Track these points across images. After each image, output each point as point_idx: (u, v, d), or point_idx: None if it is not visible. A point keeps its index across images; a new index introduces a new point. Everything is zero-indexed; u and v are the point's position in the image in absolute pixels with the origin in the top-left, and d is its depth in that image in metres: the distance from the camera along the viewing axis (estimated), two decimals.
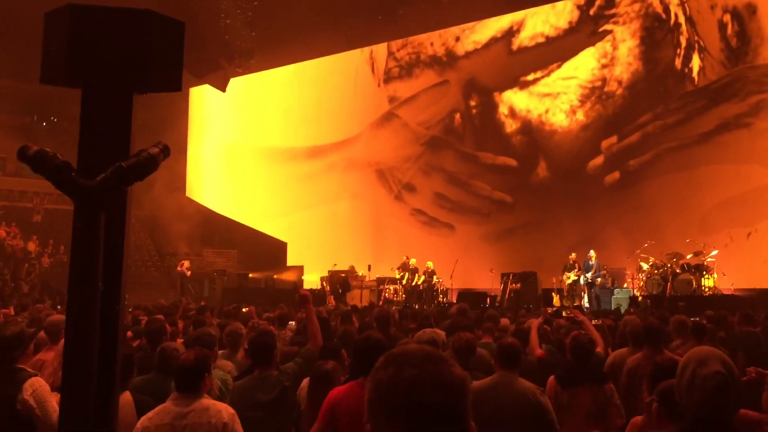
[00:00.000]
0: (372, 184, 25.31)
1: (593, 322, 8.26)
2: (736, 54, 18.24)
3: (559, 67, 21.23)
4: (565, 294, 17.60)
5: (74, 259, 1.50)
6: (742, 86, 17.84)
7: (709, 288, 15.45)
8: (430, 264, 19.72)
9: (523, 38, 22.10)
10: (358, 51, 26.17)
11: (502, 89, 22.41)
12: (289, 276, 24.61)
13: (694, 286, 15.28)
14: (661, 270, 15.94)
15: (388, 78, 25.60)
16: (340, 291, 20.33)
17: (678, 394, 2.54)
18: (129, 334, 7.26)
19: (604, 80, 20.36)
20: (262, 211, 28.33)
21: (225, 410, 3.71)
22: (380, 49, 25.84)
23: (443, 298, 19.50)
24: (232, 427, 3.64)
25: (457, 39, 23.70)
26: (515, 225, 21.43)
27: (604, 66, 20.40)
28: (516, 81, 22.10)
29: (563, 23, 21.31)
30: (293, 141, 27.80)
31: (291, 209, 27.30)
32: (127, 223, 1.61)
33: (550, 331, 7.90)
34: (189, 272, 23.54)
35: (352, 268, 21.04)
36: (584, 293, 17.19)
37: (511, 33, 22.38)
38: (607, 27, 20.43)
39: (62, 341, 4.41)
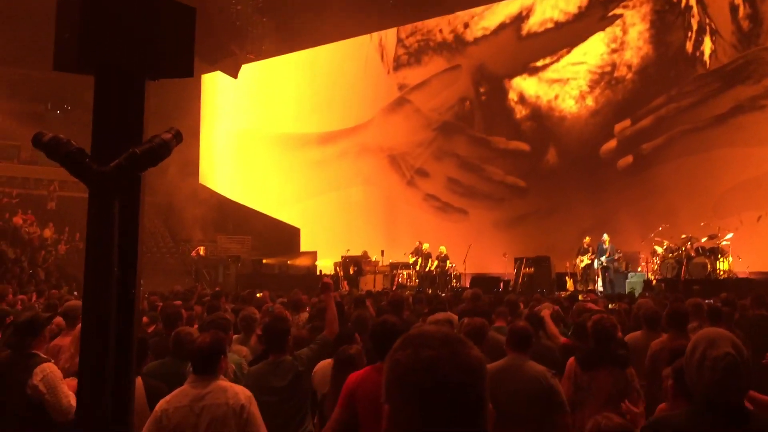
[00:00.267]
0: (384, 170, 25.28)
1: (610, 306, 8.26)
2: (747, 36, 18.03)
3: (568, 52, 21.06)
4: (579, 278, 17.55)
5: (89, 244, 1.52)
6: (756, 68, 17.65)
7: (724, 271, 15.34)
8: (443, 249, 19.70)
9: (533, 24, 21.93)
10: (367, 39, 26.09)
11: (512, 75, 22.26)
12: (302, 262, 24.68)
13: (708, 269, 15.19)
14: (675, 254, 15.86)
15: (398, 65, 25.51)
16: (354, 271, 20.35)
17: (688, 375, 2.54)
18: (145, 319, 7.31)
19: (614, 65, 20.18)
20: (275, 197, 28.38)
21: (242, 392, 3.72)
22: (389, 37, 25.74)
23: (456, 282, 19.49)
24: (249, 410, 3.65)
25: (466, 26, 23.56)
26: (528, 209, 21.35)
27: (614, 51, 20.22)
28: (525, 67, 21.95)
29: (572, 8, 21.12)
30: (305, 127, 27.80)
31: (304, 195, 27.34)
32: (141, 208, 1.62)
33: (569, 315, 7.91)
34: (204, 253, 23.73)
35: (365, 253, 21.06)
36: (598, 277, 17.12)
37: (520, 19, 22.21)
38: (617, 11, 20.23)
39: (79, 326, 4.46)
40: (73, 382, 4.15)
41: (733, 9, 18.26)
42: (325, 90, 27.17)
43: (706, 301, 7.06)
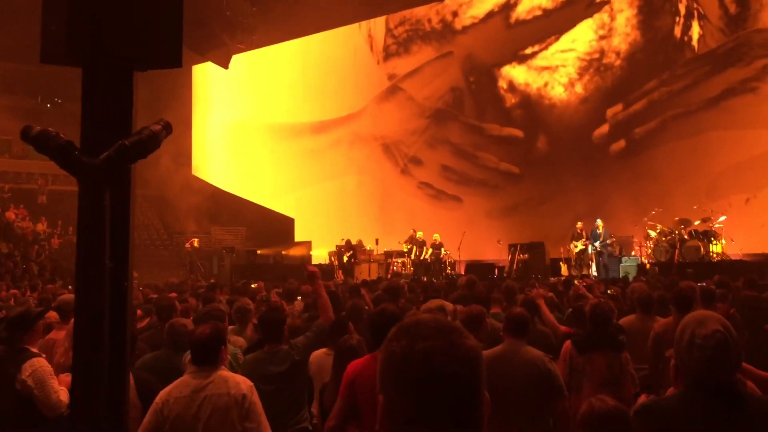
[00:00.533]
0: (378, 159, 25.27)
1: (609, 291, 8.28)
2: (735, 20, 18.06)
3: (557, 40, 21.08)
4: (573, 263, 17.61)
5: (81, 237, 1.52)
6: (747, 51, 17.67)
7: (718, 254, 15.42)
8: (437, 236, 19.74)
9: (521, 12, 21.92)
10: (356, 30, 26.05)
11: (501, 64, 22.27)
12: (297, 252, 24.69)
13: (702, 252, 15.26)
14: (668, 237, 15.92)
15: (387, 55, 25.48)
16: (350, 255, 20.33)
17: (679, 357, 2.55)
18: (139, 312, 7.30)
19: (602, 52, 20.21)
20: (268, 187, 28.35)
21: (243, 382, 3.73)
22: (378, 28, 25.71)
23: (451, 270, 19.53)
24: (251, 399, 3.66)
25: (455, 14, 23.53)
26: (522, 196, 21.39)
27: (602, 37, 20.24)
28: (514, 55, 21.96)
29: None
30: (298, 117, 27.75)
31: (297, 185, 27.32)
32: (132, 200, 1.62)
33: (566, 301, 7.93)
34: (198, 245, 23.74)
35: (360, 242, 21.08)
36: (592, 262, 17.18)
37: (508, 7, 22.19)
38: None
39: (73, 320, 4.45)
40: (68, 377, 4.15)
41: None
42: (317, 79, 27.12)
43: (699, 284, 7.08)
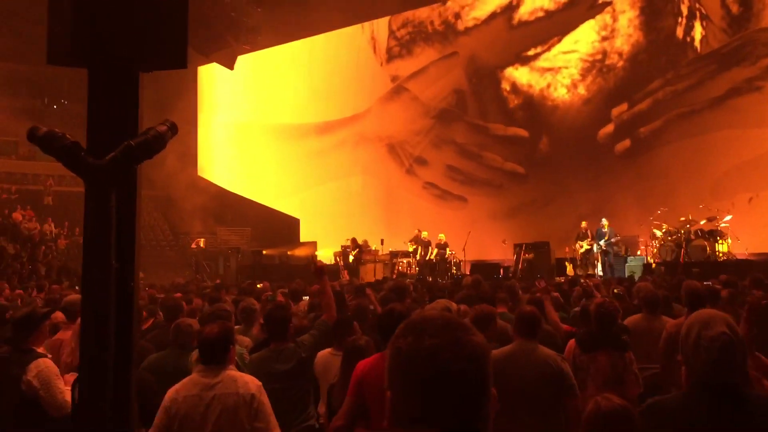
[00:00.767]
0: (383, 159, 25.27)
1: (615, 291, 8.28)
2: (738, 20, 18.02)
3: (559, 41, 21.08)
4: (579, 263, 17.58)
5: (87, 238, 1.52)
6: (752, 50, 17.62)
7: (723, 253, 15.38)
8: (442, 236, 19.72)
9: (523, 13, 21.91)
10: (359, 32, 26.09)
11: (503, 65, 22.26)
12: (302, 252, 24.69)
13: (708, 251, 15.22)
14: (674, 236, 15.89)
15: (390, 57, 25.50)
16: (357, 252, 20.32)
17: (684, 357, 2.55)
18: (143, 313, 7.31)
19: (604, 53, 20.20)
20: (273, 188, 28.37)
21: (252, 382, 3.72)
22: (381, 30, 25.73)
23: (456, 270, 19.51)
24: (260, 399, 3.65)
25: (457, 16, 23.54)
26: (527, 195, 21.37)
27: (604, 38, 20.22)
28: (517, 57, 21.96)
29: None
30: (303, 117, 27.75)
31: (303, 186, 27.33)
32: (138, 200, 1.62)
33: (571, 302, 7.92)
34: (204, 245, 23.80)
35: (366, 242, 21.07)
36: (597, 261, 17.15)
37: (510, 8, 22.19)
38: None
39: (79, 320, 4.46)
40: (74, 377, 4.16)
41: None
42: (322, 80, 27.12)
43: (705, 283, 7.07)
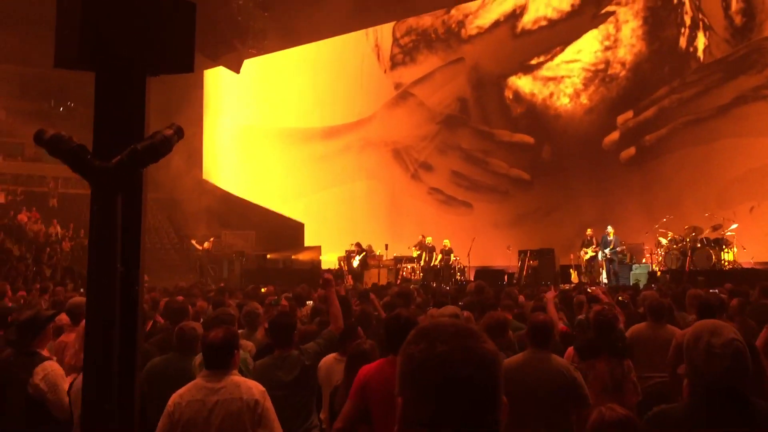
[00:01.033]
0: (388, 164, 25.28)
1: (620, 299, 8.25)
2: (741, 31, 18.02)
3: (562, 50, 21.11)
4: (583, 270, 17.55)
5: (92, 240, 1.52)
6: (759, 58, 17.60)
7: (729, 262, 15.33)
8: (446, 242, 19.71)
9: (526, 22, 21.95)
10: (363, 39, 26.19)
11: (507, 74, 22.30)
12: (306, 256, 24.71)
13: (713, 260, 15.17)
14: (680, 245, 15.84)
15: (394, 64, 25.57)
16: (362, 257, 20.29)
17: (692, 365, 2.54)
18: None
19: (607, 62, 20.23)
20: (278, 192, 28.40)
21: (256, 387, 3.71)
22: (385, 37, 25.79)
23: (461, 276, 19.48)
24: (264, 405, 3.64)
25: (461, 24, 23.61)
26: (532, 202, 21.35)
27: (607, 48, 20.25)
28: (520, 65, 21.99)
29: (566, 6, 21.18)
30: (308, 122, 27.80)
31: (307, 190, 27.36)
32: (144, 204, 1.62)
33: (574, 309, 7.90)
34: (210, 247, 23.85)
35: (370, 247, 21.07)
36: (602, 269, 17.11)
37: (514, 17, 22.23)
38: (610, 8, 20.30)
39: (83, 323, 4.46)
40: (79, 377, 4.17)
41: (726, 3, 18.24)
42: (327, 85, 27.18)
43: (711, 291, 7.05)
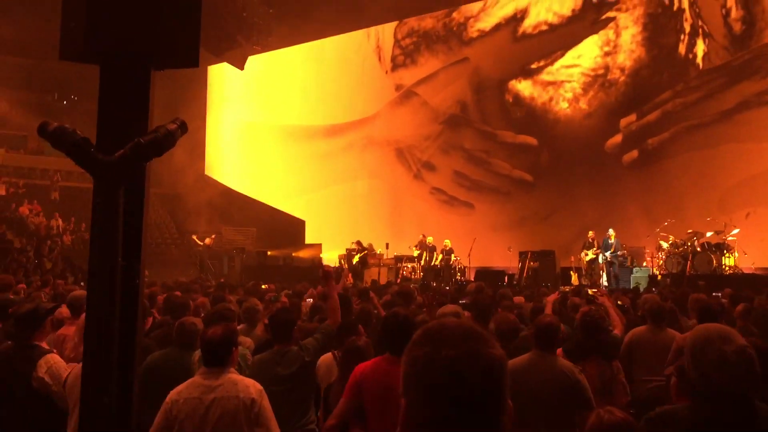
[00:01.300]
0: (391, 163, 25.28)
1: (619, 303, 8.23)
2: (741, 38, 18.03)
3: (562, 55, 21.14)
4: (584, 272, 17.55)
5: (94, 234, 1.52)
6: (763, 63, 17.59)
7: (730, 267, 15.32)
8: (447, 242, 19.72)
9: (527, 26, 21.98)
10: (365, 40, 26.21)
11: (507, 78, 22.31)
12: (307, 254, 24.71)
13: (714, 264, 15.15)
14: (681, 248, 15.82)
15: (395, 66, 25.59)
16: (362, 255, 20.29)
17: (699, 372, 2.52)
18: None
19: (607, 68, 20.27)
20: (280, 189, 28.41)
21: (253, 386, 3.71)
22: (387, 39, 25.84)
23: (461, 276, 19.48)
24: (261, 404, 3.63)
25: (462, 27, 23.65)
26: (534, 203, 21.34)
27: (607, 54, 20.29)
28: (520, 69, 22.03)
29: (566, 11, 21.22)
30: (311, 119, 27.81)
31: (309, 187, 27.37)
32: (146, 198, 1.62)
33: (568, 311, 7.88)
34: (211, 243, 23.85)
35: (371, 245, 21.07)
36: (603, 272, 17.11)
37: (514, 21, 22.26)
38: (610, 14, 20.34)
39: (83, 316, 4.47)
40: (77, 367, 4.18)
41: (726, 11, 18.25)
42: (331, 82, 27.19)
43: (714, 294, 7.04)
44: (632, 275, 16.53)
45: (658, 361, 5.45)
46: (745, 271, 15.31)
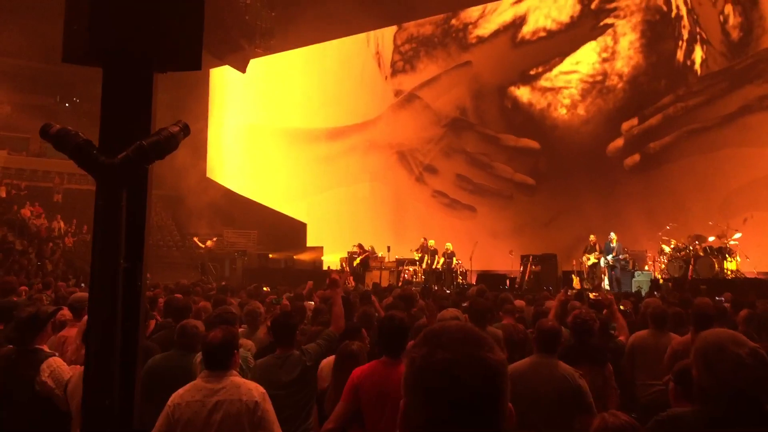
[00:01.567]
0: (393, 166, 25.28)
1: (621, 308, 8.20)
2: (738, 45, 18.03)
3: (560, 61, 21.16)
4: (586, 276, 17.52)
5: (97, 236, 1.52)
6: (765, 68, 17.58)
7: (732, 271, 15.28)
8: (449, 245, 19.70)
9: (525, 33, 22.01)
10: (365, 46, 26.31)
11: (506, 84, 22.33)
12: (308, 257, 24.72)
13: (716, 269, 15.12)
14: (683, 253, 15.79)
15: (394, 71, 25.64)
16: (363, 258, 20.30)
17: (712, 376, 2.50)
18: None
19: (605, 74, 20.29)
20: (282, 192, 28.42)
21: (256, 389, 3.69)
22: (386, 45, 25.89)
23: (462, 279, 19.47)
24: (263, 407, 3.62)
25: (461, 34, 23.67)
26: (536, 207, 21.32)
27: (605, 60, 20.31)
28: (518, 76, 22.05)
29: (565, 17, 21.24)
30: (313, 122, 27.82)
31: (311, 190, 27.37)
32: (149, 200, 1.62)
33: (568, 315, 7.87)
34: (212, 245, 23.87)
35: (372, 248, 21.07)
36: (605, 275, 17.08)
37: (513, 27, 22.28)
38: (608, 21, 20.33)
39: (85, 318, 4.46)
40: (79, 369, 4.17)
41: (724, 17, 18.26)
42: (333, 85, 27.21)
43: (717, 298, 7.01)
44: (634, 279, 16.50)
45: (660, 366, 5.42)
46: (748, 276, 15.27)
